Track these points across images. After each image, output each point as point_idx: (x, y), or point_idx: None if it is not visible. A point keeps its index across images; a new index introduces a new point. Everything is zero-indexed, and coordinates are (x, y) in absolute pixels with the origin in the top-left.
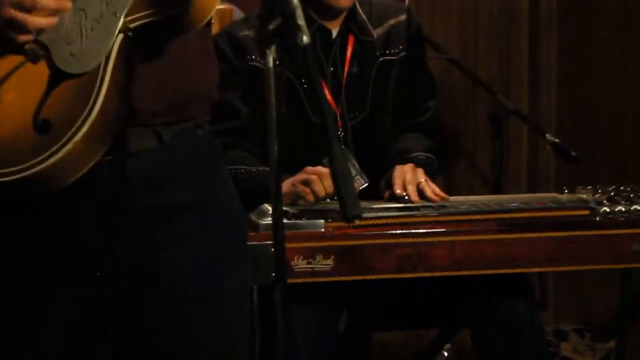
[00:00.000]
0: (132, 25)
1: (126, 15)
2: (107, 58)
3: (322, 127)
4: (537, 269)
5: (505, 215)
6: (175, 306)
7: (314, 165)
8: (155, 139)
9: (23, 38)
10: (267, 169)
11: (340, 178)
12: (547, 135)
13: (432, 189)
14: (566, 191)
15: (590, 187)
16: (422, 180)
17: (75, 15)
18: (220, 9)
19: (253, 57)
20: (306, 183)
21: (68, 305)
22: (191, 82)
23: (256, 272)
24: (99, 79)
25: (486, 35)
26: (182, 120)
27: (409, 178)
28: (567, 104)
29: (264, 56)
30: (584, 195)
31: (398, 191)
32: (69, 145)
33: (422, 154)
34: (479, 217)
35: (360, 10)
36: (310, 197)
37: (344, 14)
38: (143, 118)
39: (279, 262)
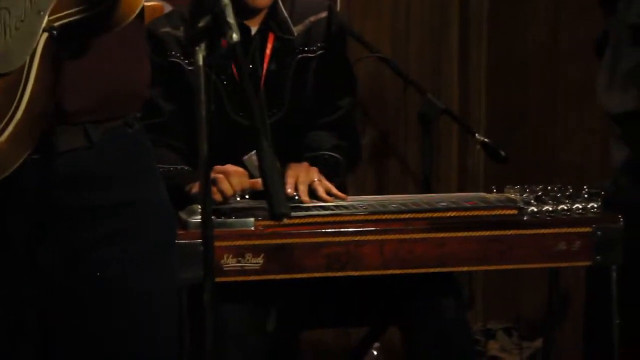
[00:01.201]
0: (57, 24)
1: (51, 14)
2: (32, 57)
3: (251, 125)
4: (465, 268)
5: (435, 215)
6: (103, 306)
7: (235, 163)
8: (83, 137)
9: None
10: (185, 168)
11: (268, 176)
12: (477, 134)
13: (324, 189)
14: (495, 191)
15: (518, 186)
16: (315, 179)
17: None
18: (151, 5)
19: (173, 52)
20: (213, 182)
21: None
22: (119, 80)
23: (185, 271)
24: (23, 78)
25: (417, 35)
26: (111, 118)
27: (301, 178)
28: (497, 104)
29: (187, 53)
30: (512, 195)
31: (289, 190)
32: None
33: (327, 152)
34: (408, 216)
35: (282, 8)
36: (218, 197)
37: (264, 12)
38: (70, 116)
39: (208, 261)
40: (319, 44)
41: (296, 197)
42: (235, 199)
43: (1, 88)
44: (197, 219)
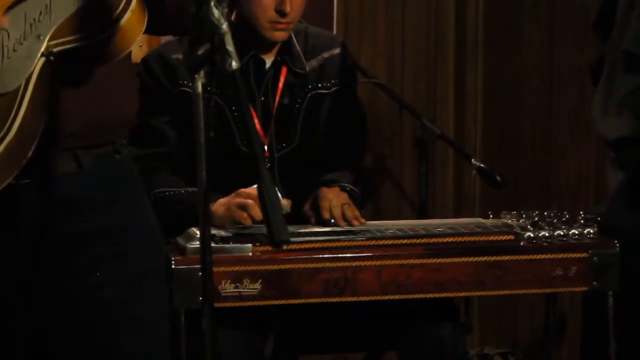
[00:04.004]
0: (55, 50)
1: (50, 39)
2: (28, 80)
3: (250, 153)
4: (462, 294)
5: (432, 240)
6: (95, 332)
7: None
8: (74, 162)
9: None
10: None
11: (268, 204)
12: (473, 160)
13: (353, 213)
14: (491, 216)
15: (514, 212)
16: (345, 203)
17: None
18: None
19: (185, 82)
20: (243, 208)
21: None
22: (109, 107)
23: (183, 296)
24: (17, 101)
25: (413, 60)
26: (100, 144)
27: (334, 201)
28: (493, 128)
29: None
30: (509, 221)
31: (325, 214)
32: None
33: (348, 185)
34: (405, 241)
35: (296, 42)
36: (249, 222)
37: (278, 45)
38: (61, 140)
39: (206, 287)
40: (332, 81)
41: (332, 221)
42: (234, 225)
43: None
44: (195, 244)
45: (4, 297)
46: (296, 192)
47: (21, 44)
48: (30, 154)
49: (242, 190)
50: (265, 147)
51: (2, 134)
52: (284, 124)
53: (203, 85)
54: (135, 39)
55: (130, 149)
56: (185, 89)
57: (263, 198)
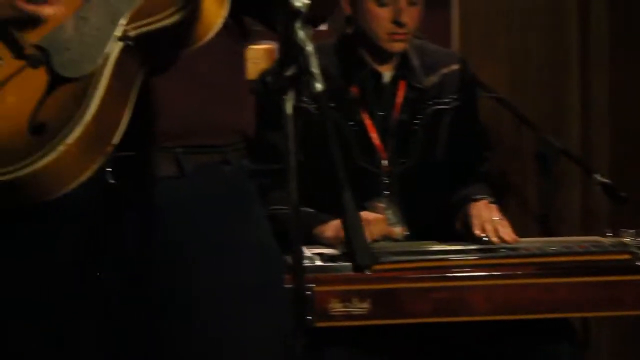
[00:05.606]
0: (131, 34)
1: (127, 24)
2: (105, 63)
3: (334, 175)
4: (577, 314)
5: (545, 259)
6: (193, 350)
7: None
8: (174, 165)
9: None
10: (310, 210)
11: (350, 228)
12: (595, 175)
13: (504, 230)
14: (610, 234)
15: (633, 230)
16: (497, 218)
17: (76, 21)
18: (263, 48)
19: (304, 99)
20: None
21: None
22: (212, 109)
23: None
24: (94, 83)
25: (536, 73)
26: (204, 148)
27: (485, 217)
28: (621, 143)
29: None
30: (627, 239)
31: (477, 232)
32: (61, 147)
33: (488, 197)
34: (517, 261)
35: (413, 57)
36: None
37: (396, 59)
38: (156, 137)
39: (300, 309)
40: (452, 96)
41: (485, 239)
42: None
43: (72, 92)
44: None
45: (110, 313)
46: (415, 210)
47: (98, 29)
48: (114, 140)
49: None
50: (385, 163)
51: (79, 115)
52: (403, 140)
53: (293, 107)
54: (216, 26)
55: (245, 162)
56: (304, 105)
57: (345, 221)
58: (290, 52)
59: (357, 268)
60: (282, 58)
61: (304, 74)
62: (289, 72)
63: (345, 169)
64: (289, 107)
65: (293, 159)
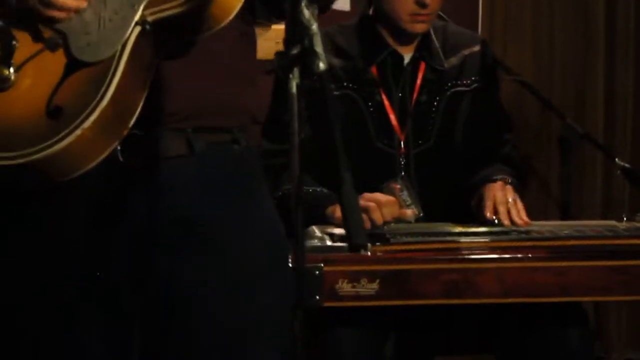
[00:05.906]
0: (149, 19)
1: (145, 8)
2: (123, 48)
3: (332, 155)
4: (587, 299)
5: (556, 243)
6: (206, 325)
7: (373, 189)
8: (185, 144)
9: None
10: (324, 190)
11: (347, 209)
12: (617, 159)
13: (517, 212)
14: (625, 219)
15: None
16: (510, 199)
17: (95, 5)
18: (280, 28)
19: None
20: (365, 211)
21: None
22: (224, 90)
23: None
24: (112, 68)
25: (561, 58)
26: (214, 128)
27: (499, 198)
28: None
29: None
30: None
31: (487, 214)
32: (78, 131)
33: (508, 177)
34: (529, 244)
35: (434, 38)
36: (368, 225)
37: (417, 40)
38: (168, 118)
39: (301, 288)
40: (473, 78)
41: (496, 221)
42: (382, 228)
43: (89, 76)
44: (313, 242)
45: (118, 292)
46: (432, 191)
47: (117, 13)
48: (130, 124)
49: (366, 194)
50: (402, 144)
51: (97, 99)
52: (421, 121)
53: (297, 86)
54: (234, 10)
55: (254, 143)
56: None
57: (343, 203)
58: (296, 31)
59: (352, 247)
60: (287, 37)
61: (309, 53)
62: (294, 51)
63: (361, 149)
64: (293, 86)
65: (297, 138)
